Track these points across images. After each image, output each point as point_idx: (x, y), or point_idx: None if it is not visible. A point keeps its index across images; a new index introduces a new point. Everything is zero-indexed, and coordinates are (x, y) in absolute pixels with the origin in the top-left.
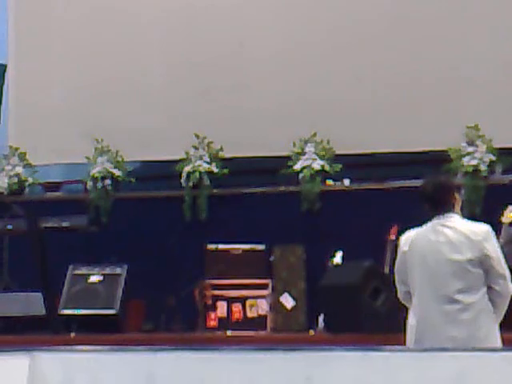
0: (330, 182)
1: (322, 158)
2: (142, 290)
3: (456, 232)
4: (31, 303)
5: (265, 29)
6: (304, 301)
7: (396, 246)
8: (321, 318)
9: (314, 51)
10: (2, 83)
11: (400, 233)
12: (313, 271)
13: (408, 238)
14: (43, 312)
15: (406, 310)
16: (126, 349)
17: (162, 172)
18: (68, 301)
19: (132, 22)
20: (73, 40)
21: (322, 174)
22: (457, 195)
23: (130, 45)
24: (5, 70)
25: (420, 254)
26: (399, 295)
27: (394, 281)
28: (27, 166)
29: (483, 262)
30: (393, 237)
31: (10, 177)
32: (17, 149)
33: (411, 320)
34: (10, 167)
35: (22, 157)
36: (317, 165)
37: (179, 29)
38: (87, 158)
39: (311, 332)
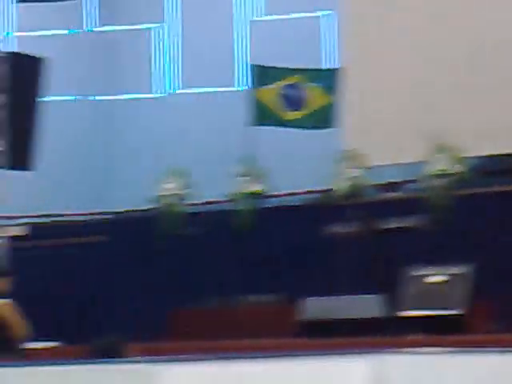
0: None
1: None
2: (491, 290)
3: None
4: (370, 305)
5: None
6: None
7: None
8: None
9: None
10: (336, 86)
11: None
12: None
13: None
14: (383, 314)
15: None
16: (471, 350)
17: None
18: (408, 302)
19: (468, 24)
20: (406, 42)
21: None
22: None
23: (463, 46)
24: (338, 74)
25: None
26: None
27: None
28: (364, 167)
29: None
30: None
31: (347, 179)
32: (353, 151)
33: None
34: (347, 170)
35: (359, 159)
36: None
37: None
38: (425, 156)
39: None
